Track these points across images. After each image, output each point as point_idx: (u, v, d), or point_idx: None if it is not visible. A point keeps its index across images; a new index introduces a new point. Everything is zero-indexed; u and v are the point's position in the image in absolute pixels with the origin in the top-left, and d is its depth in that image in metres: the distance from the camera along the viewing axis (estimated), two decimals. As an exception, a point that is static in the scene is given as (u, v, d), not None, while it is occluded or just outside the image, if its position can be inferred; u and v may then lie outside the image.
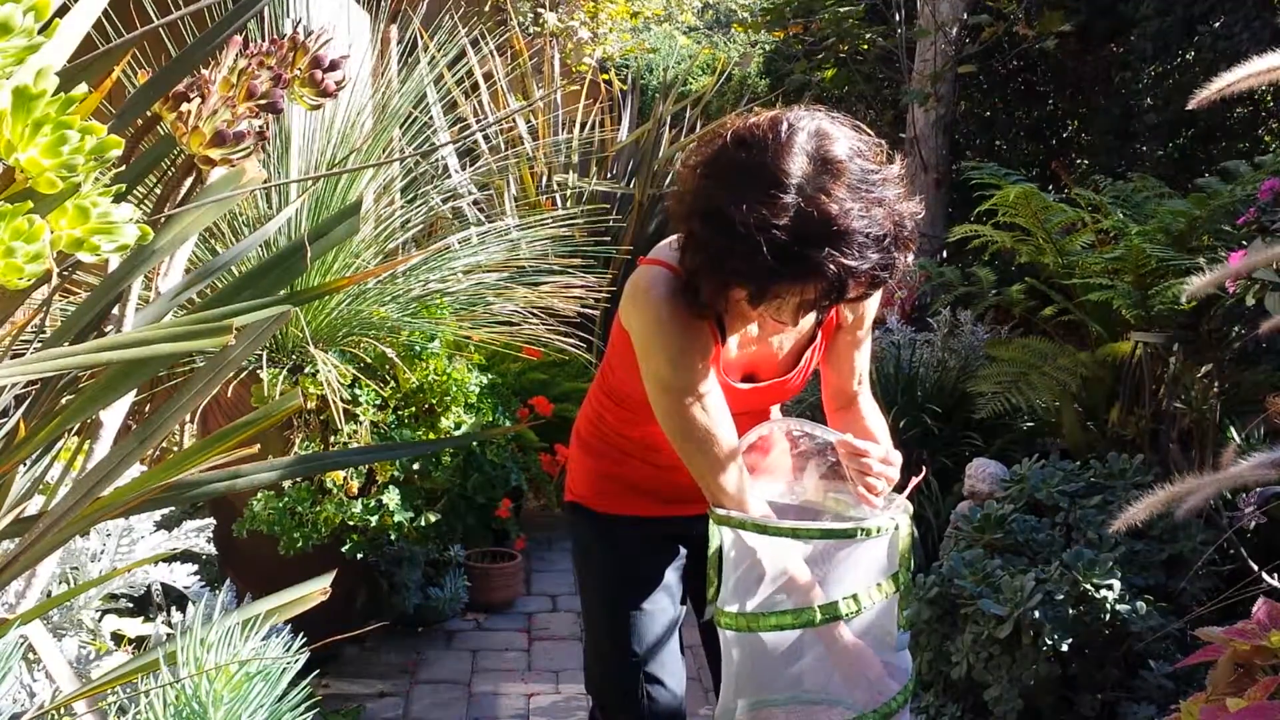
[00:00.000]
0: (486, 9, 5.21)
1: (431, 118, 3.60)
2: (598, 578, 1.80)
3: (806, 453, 1.70)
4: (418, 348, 2.91)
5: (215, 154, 0.90)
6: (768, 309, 1.41)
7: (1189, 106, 1.21)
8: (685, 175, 1.43)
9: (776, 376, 1.70)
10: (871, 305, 1.71)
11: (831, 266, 1.30)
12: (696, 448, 1.53)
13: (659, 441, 1.67)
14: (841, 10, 5.19)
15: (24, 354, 0.81)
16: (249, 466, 0.95)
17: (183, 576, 2.07)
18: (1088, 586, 2.19)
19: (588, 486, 1.79)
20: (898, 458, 1.63)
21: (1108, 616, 2.18)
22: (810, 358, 1.70)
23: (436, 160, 3.93)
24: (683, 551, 1.80)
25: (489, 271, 3.31)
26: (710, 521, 1.56)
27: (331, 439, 2.72)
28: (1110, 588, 2.20)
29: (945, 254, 4.74)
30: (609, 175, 5.19)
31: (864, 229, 1.31)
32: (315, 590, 1.12)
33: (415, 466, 2.88)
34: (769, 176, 1.30)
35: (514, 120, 5.04)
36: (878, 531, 1.52)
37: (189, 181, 0.96)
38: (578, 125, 5.14)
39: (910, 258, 1.42)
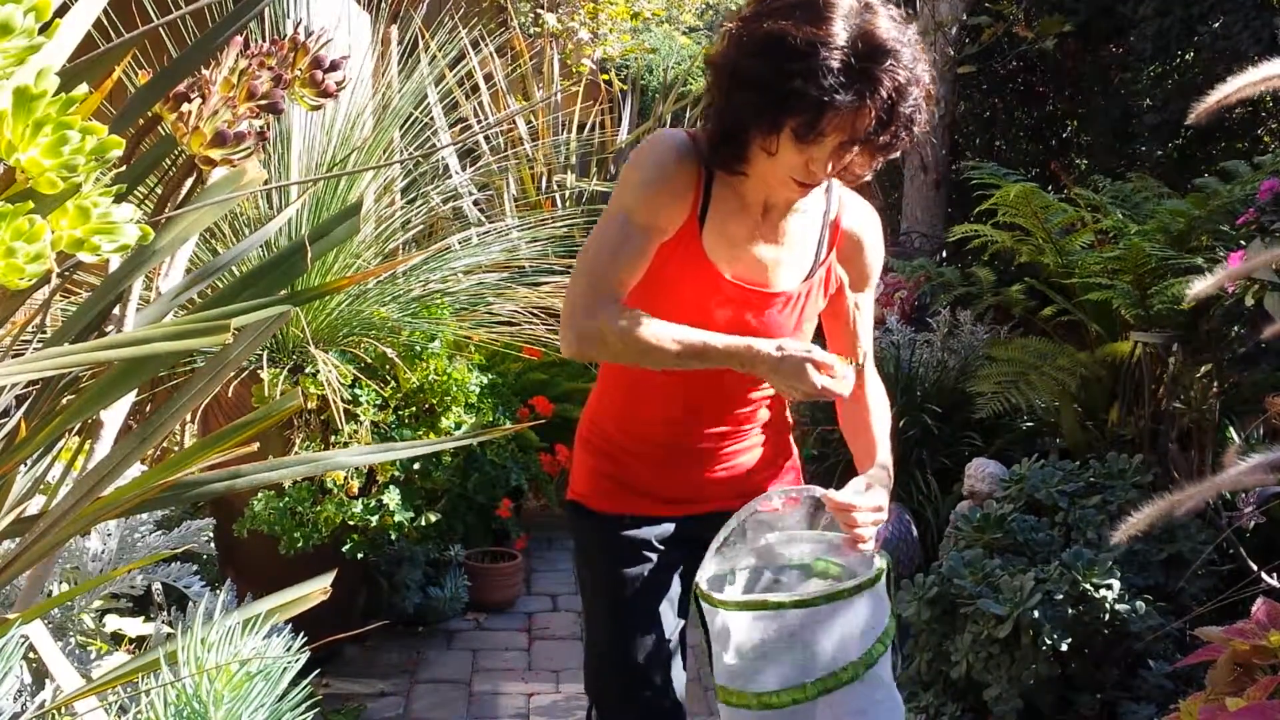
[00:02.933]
0: (486, 9, 5.21)
1: (432, 118, 3.61)
2: (596, 577, 1.79)
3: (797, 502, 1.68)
4: (418, 348, 2.92)
5: (216, 154, 0.91)
6: (804, 154, 1.42)
7: (1188, 121, 1.22)
8: (725, 37, 1.49)
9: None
10: (874, 263, 1.70)
11: (888, 81, 1.37)
12: (583, 264, 1.55)
13: (653, 432, 1.68)
14: (841, 10, 5.17)
15: (24, 354, 0.81)
16: (249, 466, 0.95)
17: (183, 576, 2.08)
18: (1087, 586, 2.19)
19: (587, 485, 1.78)
20: (884, 498, 1.61)
21: (1107, 616, 2.18)
22: (805, 297, 1.64)
23: (437, 161, 3.93)
24: (683, 553, 1.79)
25: (489, 271, 3.31)
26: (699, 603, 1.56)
27: (332, 439, 2.72)
28: (1110, 587, 2.20)
29: (945, 254, 4.74)
30: (609, 175, 5.19)
31: (909, 59, 1.40)
32: (315, 590, 1.12)
33: (415, 466, 2.88)
34: (817, 10, 1.39)
35: (514, 121, 5.04)
36: (852, 591, 1.52)
37: (189, 182, 0.96)
38: (577, 126, 5.15)
39: (926, 119, 1.46)
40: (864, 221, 1.68)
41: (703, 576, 1.59)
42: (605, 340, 1.51)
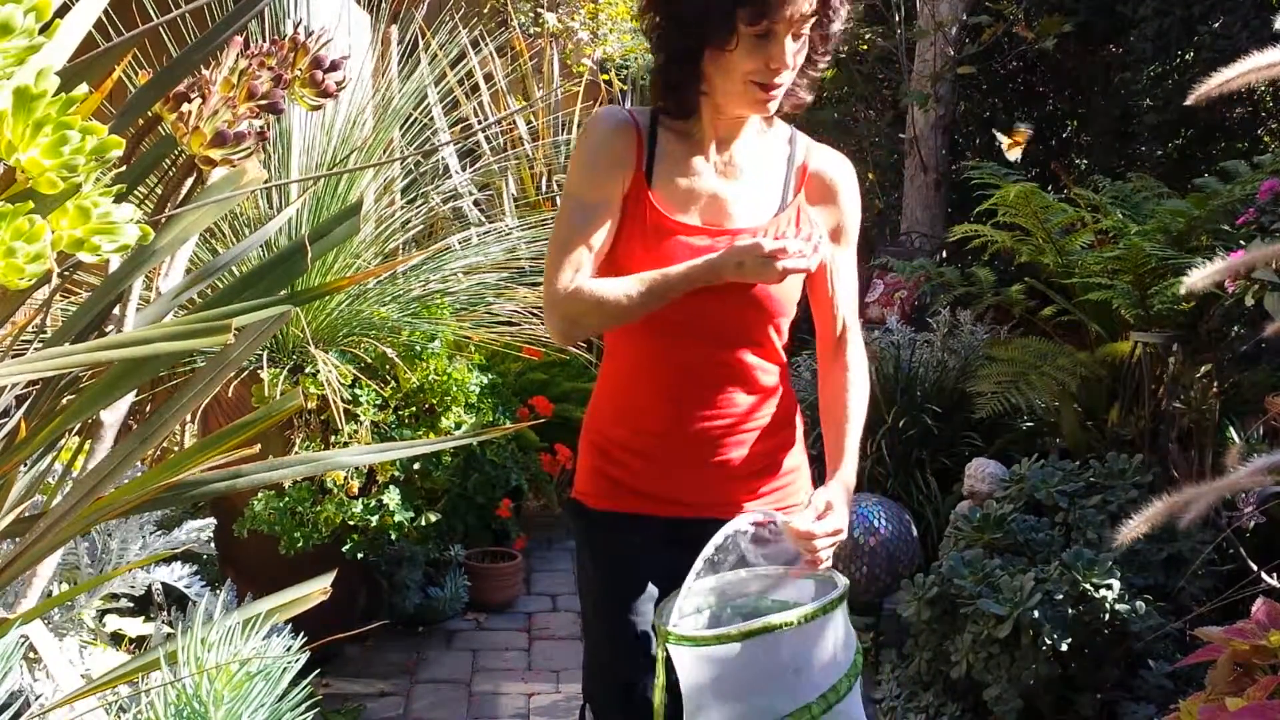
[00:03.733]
0: (486, 9, 5.21)
1: (432, 118, 3.61)
2: (590, 576, 1.78)
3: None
4: (418, 348, 2.92)
5: (216, 154, 0.91)
6: (761, 51, 1.46)
7: (1188, 102, 1.22)
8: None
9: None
10: (850, 213, 1.71)
11: None
12: (550, 253, 1.59)
13: (648, 423, 1.67)
14: (841, 10, 5.18)
15: (24, 354, 0.81)
16: (249, 466, 0.95)
17: (183, 576, 2.08)
18: (1087, 586, 2.19)
19: (587, 483, 1.77)
20: (845, 519, 1.57)
21: (1107, 616, 2.18)
22: (775, 237, 1.60)
23: (437, 161, 3.93)
24: (681, 556, 1.77)
25: (489, 271, 3.31)
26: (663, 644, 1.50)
27: (332, 439, 2.72)
28: (1110, 587, 2.20)
29: (945, 254, 4.74)
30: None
31: None
32: (315, 590, 1.12)
33: (415, 466, 2.88)
34: None
35: (514, 121, 5.04)
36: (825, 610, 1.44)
37: (189, 182, 0.96)
38: (577, 125, 5.14)
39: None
40: (835, 167, 1.69)
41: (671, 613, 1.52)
42: (581, 311, 1.56)
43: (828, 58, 1.60)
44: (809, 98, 1.63)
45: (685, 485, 1.69)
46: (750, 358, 1.66)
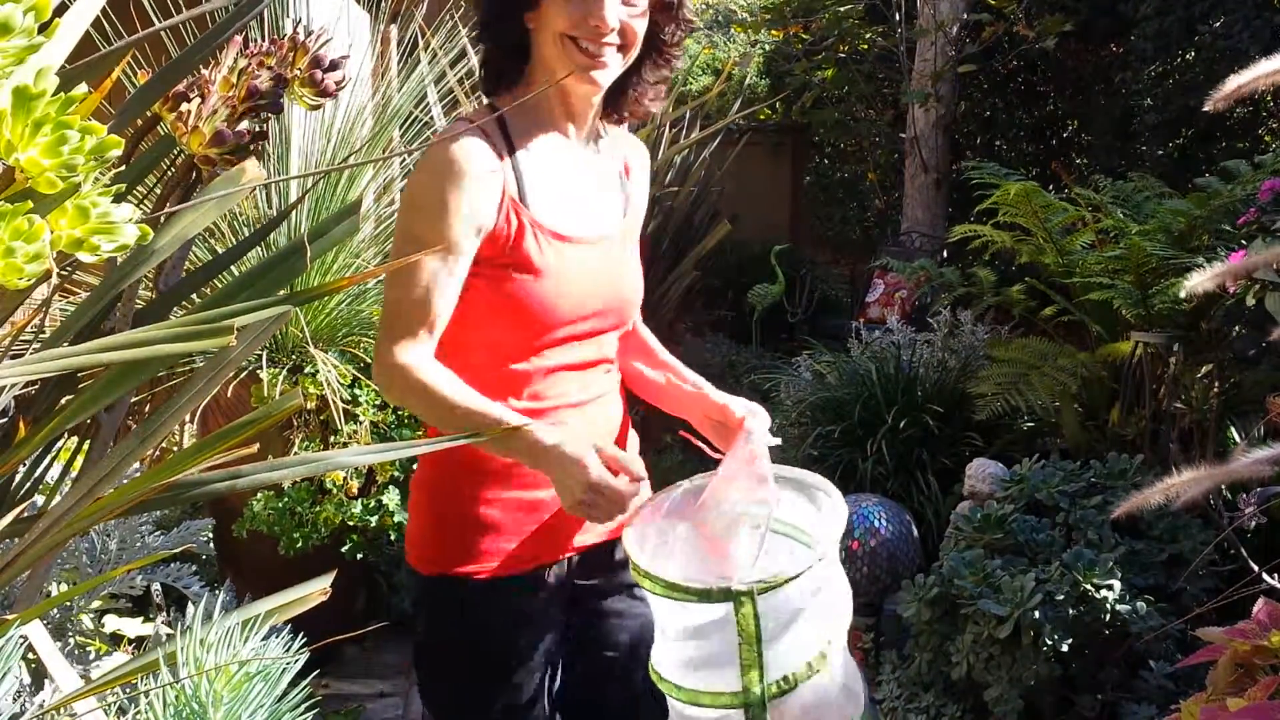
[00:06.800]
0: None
1: (432, 118, 3.60)
2: (486, 652, 1.46)
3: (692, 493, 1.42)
4: (418, 348, 2.91)
5: (215, 154, 0.90)
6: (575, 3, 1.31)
7: (1205, 108, 1.21)
8: None
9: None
10: (645, 198, 1.60)
11: None
12: (395, 296, 1.35)
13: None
14: (841, 10, 5.19)
15: (24, 354, 0.81)
16: (248, 468, 0.95)
17: (182, 577, 2.07)
18: (1088, 587, 2.19)
19: (426, 541, 1.47)
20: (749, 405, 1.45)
21: (1108, 617, 2.18)
22: (627, 235, 1.53)
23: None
24: (565, 622, 1.51)
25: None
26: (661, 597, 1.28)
27: (331, 439, 2.72)
28: (1110, 588, 2.20)
29: (945, 254, 4.74)
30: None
31: None
32: (315, 590, 1.12)
33: (415, 467, 2.88)
34: None
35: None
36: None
37: (189, 181, 0.96)
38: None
39: None
40: (639, 153, 1.60)
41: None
42: (407, 392, 1.36)
43: (678, 52, 1.46)
44: (656, 107, 1.50)
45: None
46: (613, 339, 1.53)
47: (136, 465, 1.61)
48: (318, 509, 2.72)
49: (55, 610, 1.86)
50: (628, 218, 1.53)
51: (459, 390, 1.34)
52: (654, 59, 1.45)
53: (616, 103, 1.49)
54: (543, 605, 1.47)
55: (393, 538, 2.84)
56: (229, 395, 2.78)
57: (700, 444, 1.46)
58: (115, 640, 2.02)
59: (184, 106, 0.90)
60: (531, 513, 1.44)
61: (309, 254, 1.02)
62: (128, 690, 1.09)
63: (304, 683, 0.91)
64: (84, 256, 0.70)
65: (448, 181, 1.32)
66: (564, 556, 1.49)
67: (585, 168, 1.48)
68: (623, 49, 1.37)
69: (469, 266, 1.36)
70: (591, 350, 1.48)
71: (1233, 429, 2.67)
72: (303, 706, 0.91)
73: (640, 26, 1.38)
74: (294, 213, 2.89)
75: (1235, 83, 1.15)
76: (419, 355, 1.35)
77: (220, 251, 2.84)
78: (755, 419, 1.41)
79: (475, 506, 1.43)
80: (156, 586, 2.32)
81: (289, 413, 1.19)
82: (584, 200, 1.46)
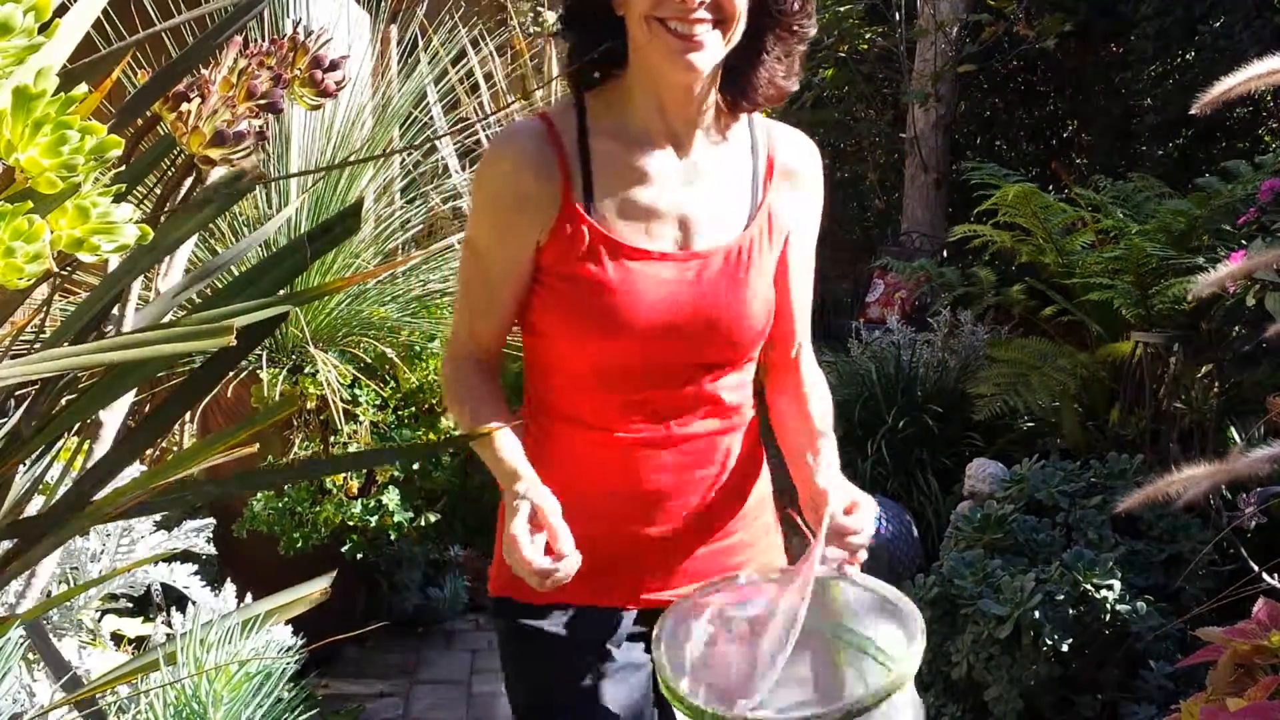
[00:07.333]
0: (486, 8, 5.21)
1: (432, 118, 3.60)
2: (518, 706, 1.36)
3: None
4: (418, 348, 2.91)
5: (215, 154, 0.90)
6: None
7: (1191, 111, 1.21)
8: None
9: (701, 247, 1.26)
10: (815, 206, 1.36)
11: None
12: (457, 302, 1.33)
13: (591, 464, 1.29)
14: (841, 10, 5.19)
15: (24, 354, 0.81)
16: (249, 474, 0.95)
17: (183, 576, 2.07)
18: (1088, 587, 2.19)
19: (495, 559, 1.34)
20: (871, 507, 1.25)
21: (1108, 617, 2.18)
22: (748, 253, 1.27)
23: (437, 160, 3.93)
24: (646, 668, 1.32)
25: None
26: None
27: (331, 439, 2.72)
28: (1110, 588, 2.20)
29: (945, 254, 4.74)
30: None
31: None
32: (315, 590, 1.12)
33: (415, 466, 2.88)
34: None
35: (514, 119, 5.03)
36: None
37: (189, 181, 0.96)
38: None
39: None
40: (802, 151, 1.35)
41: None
42: (447, 395, 1.33)
43: (807, 18, 1.23)
44: (792, 85, 1.26)
45: (657, 553, 1.33)
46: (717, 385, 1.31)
47: (135, 464, 1.61)
48: (318, 509, 2.72)
49: (55, 610, 1.86)
50: (751, 229, 1.27)
51: (475, 404, 1.28)
52: (776, 31, 1.22)
53: (740, 88, 1.25)
54: (583, 645, 1.31)
55: (393, 538, 2.84)
56: (229, 395, 2.78)
57: (803, 526, 1.25)
58: (115, 640, 2.02)
59: (184, 106, 0.89)
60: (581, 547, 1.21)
61: (309, 254, 1.02)
62: (128, 689, 1.09)
63: (304, 682, 0.92)
64: (84, 256, 0.70)
65: (488, 179, 1.24)
66: (616, 605, 1.32)
67: (689, 171, 1.26)
68: (721, 25, 1.15)
69: (520, 274, 1.25)
70: (681, 387, 1.27)
71: (1233, 429, 2.67)
72: (302, 706, 0.91)
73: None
74: (294, 213, 2.89)
75: (1223, 86, 1.15)
76: (456, 362, 1.31)
77: (220, 251, 2.84)
78: (841, 518, 1.19)
79: None
80: (156, 586, 2.32)
81: (284, 417, 1.19)
82: (676, 209, 1.24)
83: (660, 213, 1.24)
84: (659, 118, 1.24)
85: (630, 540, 1.31)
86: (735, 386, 1.32)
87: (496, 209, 1.23)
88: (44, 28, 0.64)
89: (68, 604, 1.87)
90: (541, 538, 1.13)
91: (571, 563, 1.12)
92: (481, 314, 1.30)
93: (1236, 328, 2.51)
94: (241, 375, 2.74)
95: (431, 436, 2.85)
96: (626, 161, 1.24)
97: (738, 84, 1.24)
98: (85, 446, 1.02)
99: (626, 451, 1.28)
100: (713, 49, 1.16)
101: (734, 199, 1.28)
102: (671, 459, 1.29)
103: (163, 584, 2.24)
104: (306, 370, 2.78)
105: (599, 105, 1.25)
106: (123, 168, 0.88)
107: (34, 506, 1.08)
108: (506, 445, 1.21)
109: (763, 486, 1.42)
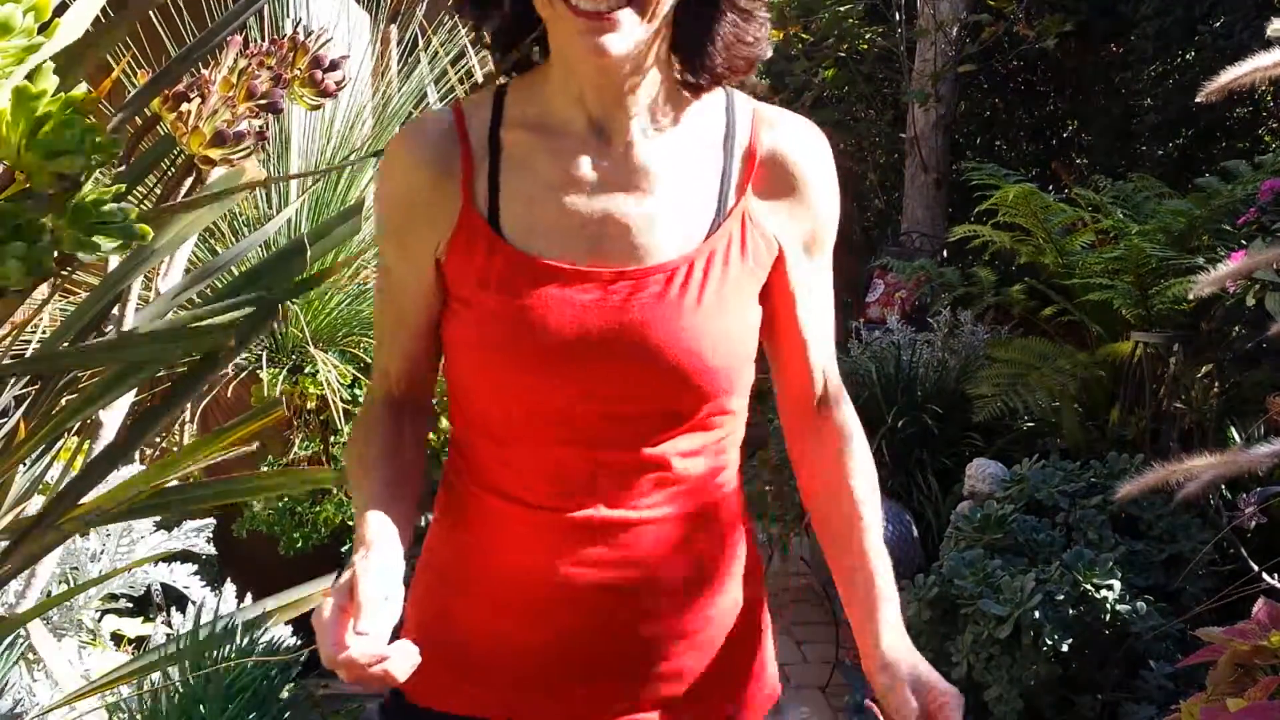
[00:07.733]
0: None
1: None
2: None
3: None
4: (418, 348, 2.91)
5: (215, 154, 0.90)
6: None
7: (1197, 99, 1.21)
8: None
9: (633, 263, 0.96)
10: (825, 213, 1.03)
11: None
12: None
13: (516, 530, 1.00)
14: (841, 10, 5.19)
15: (24, 354, 0.81)
16: (250, 479, 0.95)
17: (183, 576, 2.07)
18: (1088, 587, 2.19)
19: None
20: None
21: (1108, 616, 2.18)
22: (706, 270, 0.97)
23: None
24: None
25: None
26: None
27: (331, 439, 2.72)
28: (1110, 588, 2.20)
29: (945, 254, 4.75)
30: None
31: None
32: (316, 591, 1.12)
33: (415, 466, 2.88)
34: None
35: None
36: None
37: (189, 181, 0.96)
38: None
39: None
40: (801, 144, 1.03)
41: None
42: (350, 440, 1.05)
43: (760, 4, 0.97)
44: (762, 50, 0.99)
45: (607, 646, 1.03)
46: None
47: (138, 463, 1.62)
48: (318, 509, 2.72)
49: (55, 610, 1.86)
50: (714, 241, 0.98)
51: (363, 474, 0.99)
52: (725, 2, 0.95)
53: (700, 62, 0.96)
54: None
55: (393, 538, 2.84)
56: (229, 395, 2.79)
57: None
58: (116, 640, 2.02)
59: (184, 106, 0.90)
60: (469, 642, 1.03)
61: (310, 254, 1.02)
62: (129, 689, 1.09)
63: (304, 683, 0.91)
64: (84, 256, 0.70)
65: (384, 179, 1.01)
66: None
67: (622, 169, 0.98)
68: (635, 1, 0.89)
69: (425, 295, 1.00)
70: (613, 448, 0.97)
71: (1233, 429, 2.67)
72: (302, 706, 0.91)
73: None
74: (294, 213, 2.89)
75: (1228, 76, 1.15)
76: (367, 402, 1.07)
77: (220, 251, 2.84)
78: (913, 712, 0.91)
79: (425, 604, 1.09)
80: (156, 586, 2.32)
81: (276, 420, 1.18)
82: (601, 215, 0.97)
83: (581, 220, 0.96)
84: (579, 107, 0.97)
85: (555, 649, 1.01)
86: (693, 452, 1.00)
87: (392, 216, 1.00)
88: (43, 27, 0.64)
89: (68, 604, 1.87)
90: (377, 617, 0.87)
91: (401, 656, 0.87)
92: (387, 345, 1.04)
93: (1236, 328, 2.51)
94: (241, 375, 2.74)
95: (431, 437, 2.85)
96: (543, 159, 0.98)
97: (698, 58, 0.97)
98: (85, 446, 1.02)
99: (542, 529, 0.99)
100: (629, 28, 0.89)
101: (690, 204, 0.98)
102: (601, 544, 0.99)
103: (163, 584, 2.24)
104: (306, 370, 2.78)
105: (520, 93, 1.00)
106: (123, 168, 0.88)
107: (34, 506, 1.08)
108: (370, 510, 0.94)
109: (744, 591, 1.09)
